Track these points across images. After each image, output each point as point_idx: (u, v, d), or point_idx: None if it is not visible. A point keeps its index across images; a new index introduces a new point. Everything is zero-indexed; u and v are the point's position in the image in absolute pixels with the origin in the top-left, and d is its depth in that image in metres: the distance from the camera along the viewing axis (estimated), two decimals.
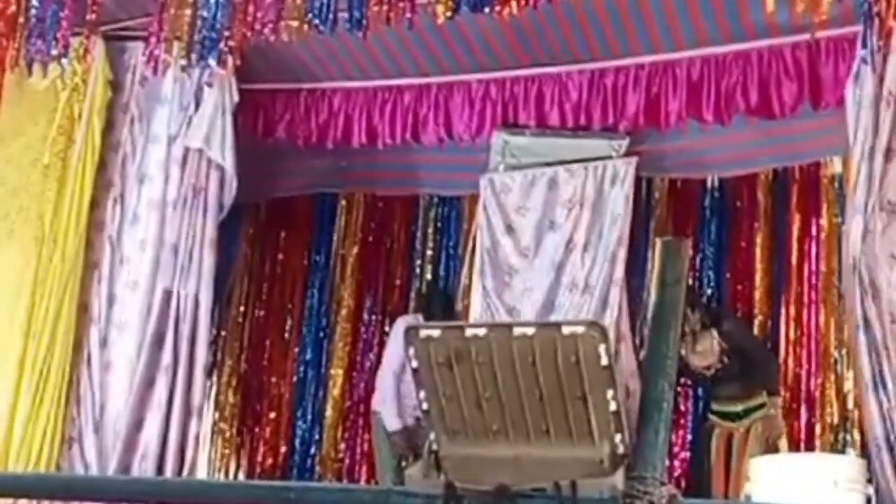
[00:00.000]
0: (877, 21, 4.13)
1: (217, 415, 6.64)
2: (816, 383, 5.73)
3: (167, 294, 5.18)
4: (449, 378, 2.74)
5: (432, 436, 2.84)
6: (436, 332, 2.76)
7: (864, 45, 4.21)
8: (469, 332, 2.73)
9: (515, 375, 2.67)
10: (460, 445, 2.78)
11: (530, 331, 2.65)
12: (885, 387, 3.94)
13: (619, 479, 2.58)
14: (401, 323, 5.98)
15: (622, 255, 5.44)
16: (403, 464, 5.70)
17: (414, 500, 2.75)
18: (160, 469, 4.93)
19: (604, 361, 2.57)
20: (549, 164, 5.67)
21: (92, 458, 5.04)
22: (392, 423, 5.76)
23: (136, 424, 5.03)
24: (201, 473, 5.79)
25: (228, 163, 5.31)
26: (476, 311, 5.65)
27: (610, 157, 5.59)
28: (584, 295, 5.45)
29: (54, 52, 5.18)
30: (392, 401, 5.75)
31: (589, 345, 2.57)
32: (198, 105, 5.36)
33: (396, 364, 5.72)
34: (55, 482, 3.78)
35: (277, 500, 3.03)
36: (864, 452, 5.36)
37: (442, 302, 6.18)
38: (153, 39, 5.19)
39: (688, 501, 2.66)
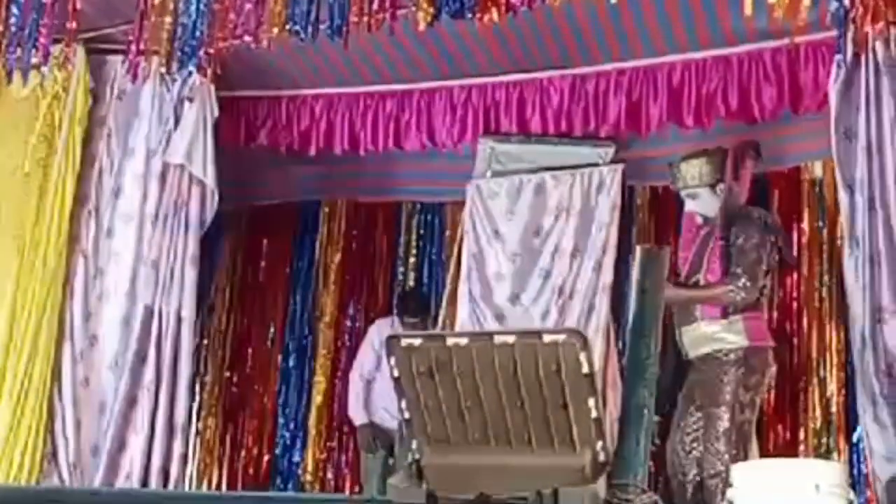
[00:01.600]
0: (853, 27, 4.16)
1: (200, 424, 6.61)
2: (799, 388, 5.74)
3: (149, 311, 5.11)
4: (430, 387, 2.73)
5: (414, 445, 2.83)
6: (417, 342, 2.75)
7: (841, 51, 4.24)
8: (450, 341, 2.72)
9: (497, 384, 2.67)
10: (442, 455, 2.78)
11: (511, 339, 2.64)
12: None
13: (600, 486, 2.58)
14: (373, 329, 6.08)
15: (609, 261, 5.44)
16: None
17: None
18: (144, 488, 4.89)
19: (585, 369, 2.57)
20: (535, 171, 5.68)
21: (67, 476, 4.99)
22: (359, 417, 5.86)
23: (119, 445, 4.97)
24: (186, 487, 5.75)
25: (210, 178, 5.26)
26: (463, 317, 5.64)
27: (596, 165, 5.60)
28: (571, 302, 5.45)
29: (35, 60, 5.16)
30: (358, 399, 5.88)
31: (570, 353, 2.57)
32: (177, 120, 5.31)
33: (366, 367, 5.88)
34: (36, 494, 3.75)
35: None
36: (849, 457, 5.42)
37: (416, 300, 6.23)
38: (133, 47, 5.19)
39: None
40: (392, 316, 6.24)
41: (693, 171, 4.65)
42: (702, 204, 4.64)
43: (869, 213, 4.14)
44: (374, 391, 5.82)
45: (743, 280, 4.37)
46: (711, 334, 4.43)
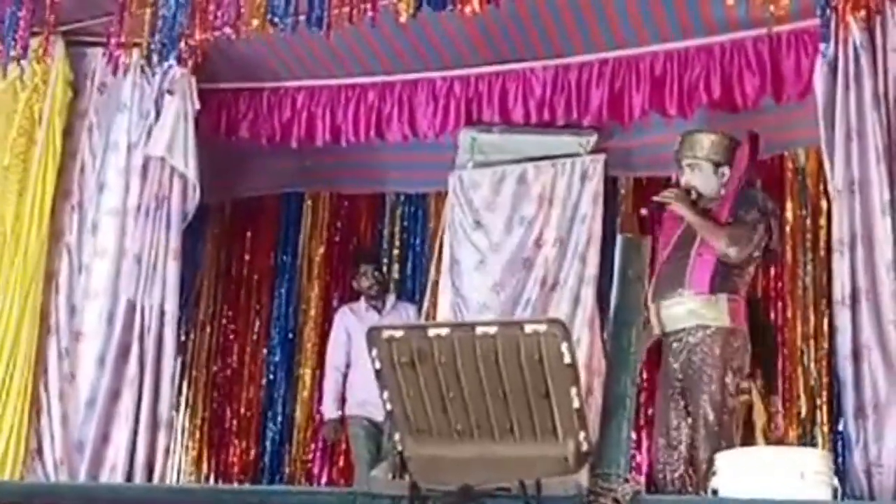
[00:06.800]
0: (834, 15, 4.16)
1: (187, 418, 6.58)
2: (784, 376, 5.75)
3: (131, 305, 5.08)
4: (412, 378, 2.72)
5: (397, 437, 2.82)
6: (398, 333, 2.74)
7: (824, 40, 4.24)
8: (432, 331, 2.71)
9: (479, 375, 2.66)
10: (425, 446, 2.77)
11: (493, 330, 2.63)
12: None
13: (583, 476, 2.58)
14: (337, 318, 6.10)
15: (593, 252, 5.42)
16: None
17: (379, 501, 2.73)
18: (128, 482, 4.87)
19: (566, 359, 2.56)
20: (517, 162, 5.67)
21: (52, 471, 4.97)
22: (330, 409, 5.90)
23: (103, 438, 4.95)
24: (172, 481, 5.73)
25: (191, 171, 5.23)
26: (444, 309, 5.63)
27: (578, 155, 5.60)
28: (554, 292, 5.44)
29: (13, 52, 5.13)
30: (331, 390, 5.89)
31: (551, 343, 2.56)
32: (158, 113, 5.27)
33: (339, 358, 5.90)
34: (15, 489, 3.73)
35: None
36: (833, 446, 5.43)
37: (368, 250, 6.45)
38: (113, 40, 5.16)
39: (651, 497, 2.66)
40: (348, 304, 6.22)
41: (705, 142, 4.65)
42: (701, 177, 4.61)
43: (849, 197, 4.13)
44: (351, 384, 5.81)
45: (739, 234, 4.40)
46: (695, 309, 4.40)
